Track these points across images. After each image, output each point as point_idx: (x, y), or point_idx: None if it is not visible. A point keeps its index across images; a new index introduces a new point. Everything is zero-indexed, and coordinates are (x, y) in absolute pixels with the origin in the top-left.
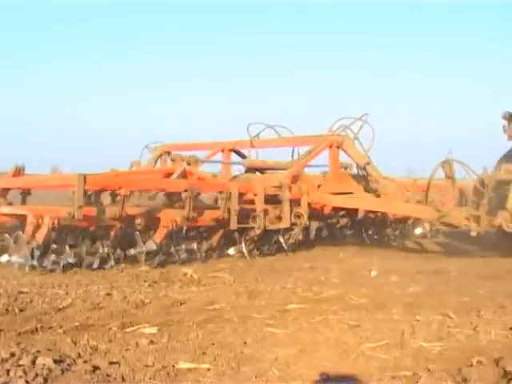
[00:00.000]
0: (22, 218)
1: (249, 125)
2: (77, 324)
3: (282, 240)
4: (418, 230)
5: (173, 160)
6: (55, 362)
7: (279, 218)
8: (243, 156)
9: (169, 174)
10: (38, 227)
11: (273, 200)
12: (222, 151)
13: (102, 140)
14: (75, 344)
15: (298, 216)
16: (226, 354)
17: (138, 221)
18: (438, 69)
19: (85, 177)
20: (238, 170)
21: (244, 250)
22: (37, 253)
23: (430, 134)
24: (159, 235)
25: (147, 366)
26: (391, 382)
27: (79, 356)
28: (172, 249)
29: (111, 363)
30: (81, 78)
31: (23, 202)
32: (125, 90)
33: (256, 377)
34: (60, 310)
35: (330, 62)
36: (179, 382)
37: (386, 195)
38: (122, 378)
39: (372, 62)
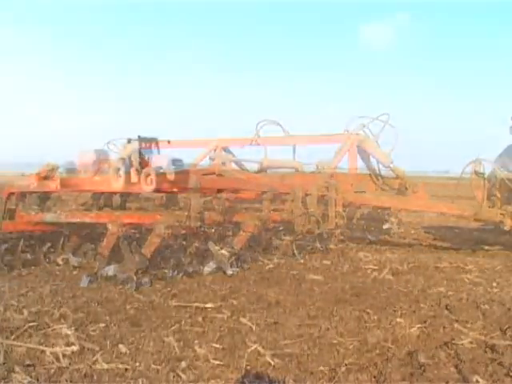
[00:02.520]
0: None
1: (258, 122)
2: None
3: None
4: (386, 225)
5: (212, 159)
6: None
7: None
8: (232, 155)
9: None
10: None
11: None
12: (214, 150)
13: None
14: None
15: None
16: None
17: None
18: None
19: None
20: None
21: (295, 252)
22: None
23: None
24: (240, 241)
25: None
26: (309, 377)
27: None
28: None
29: None
30: None
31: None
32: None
33: None
34: None
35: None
36: None
37: (415, 193)
38: None
39: None
